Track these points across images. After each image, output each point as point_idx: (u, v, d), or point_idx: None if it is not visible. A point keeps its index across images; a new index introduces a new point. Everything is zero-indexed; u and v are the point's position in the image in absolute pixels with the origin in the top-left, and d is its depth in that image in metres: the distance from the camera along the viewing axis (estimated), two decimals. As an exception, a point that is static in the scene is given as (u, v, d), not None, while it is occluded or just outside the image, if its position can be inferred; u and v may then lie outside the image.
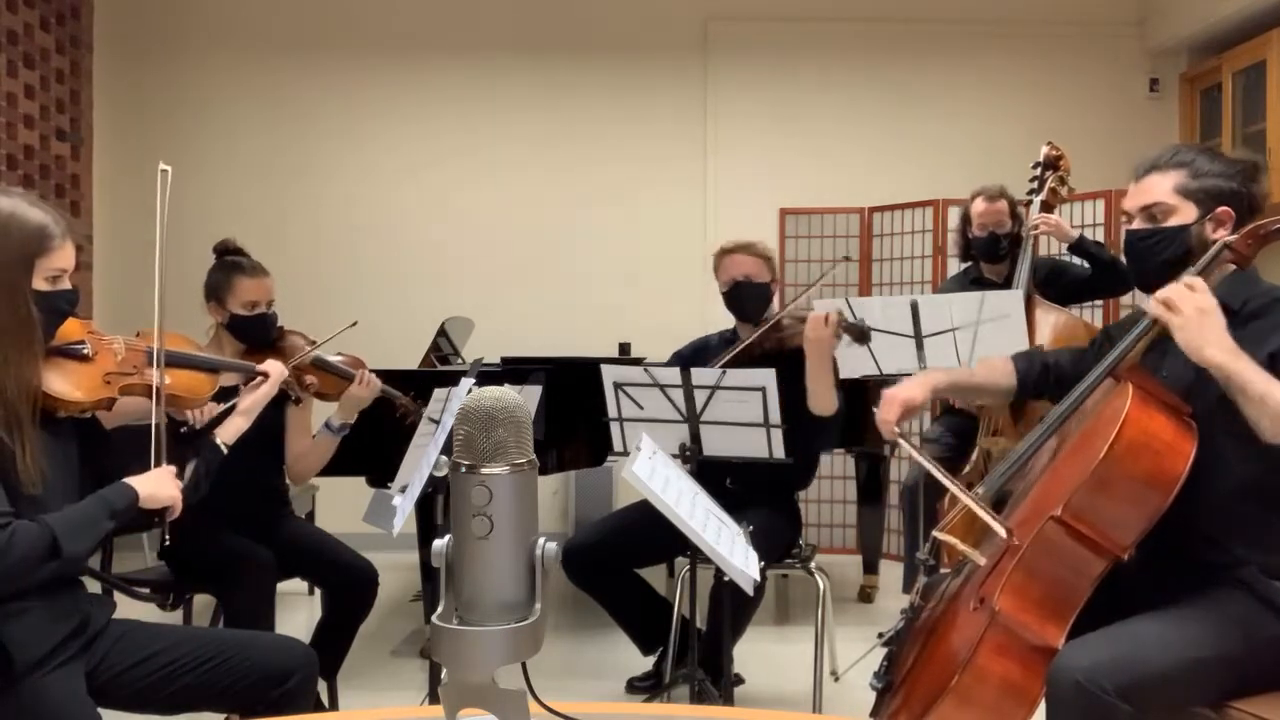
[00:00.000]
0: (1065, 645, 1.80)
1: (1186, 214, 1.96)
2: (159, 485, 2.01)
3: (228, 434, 2.33)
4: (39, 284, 1.90)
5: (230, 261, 2.97)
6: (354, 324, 2.93)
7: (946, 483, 2.03)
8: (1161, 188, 1.98)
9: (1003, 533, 1.90)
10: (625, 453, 2.81)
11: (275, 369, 2.51)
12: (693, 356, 3.34)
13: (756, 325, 3.23)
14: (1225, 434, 1.87)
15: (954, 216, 4.06)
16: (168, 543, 2.07)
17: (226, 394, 2.49)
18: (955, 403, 3.90)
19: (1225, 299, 1.86)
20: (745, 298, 3.23)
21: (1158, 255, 1.97)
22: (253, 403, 2.42)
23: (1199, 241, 1.95)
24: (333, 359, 2.97)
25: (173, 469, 2.07)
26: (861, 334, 2.86)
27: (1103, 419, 1.89)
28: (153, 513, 2.04)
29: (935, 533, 2.13)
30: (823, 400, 2.93)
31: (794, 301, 3.25)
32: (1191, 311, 1.81)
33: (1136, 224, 2.02)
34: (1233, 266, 1.91)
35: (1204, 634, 1.82)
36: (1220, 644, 1.82)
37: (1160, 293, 1.87)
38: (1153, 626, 1.85)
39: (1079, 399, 2.03)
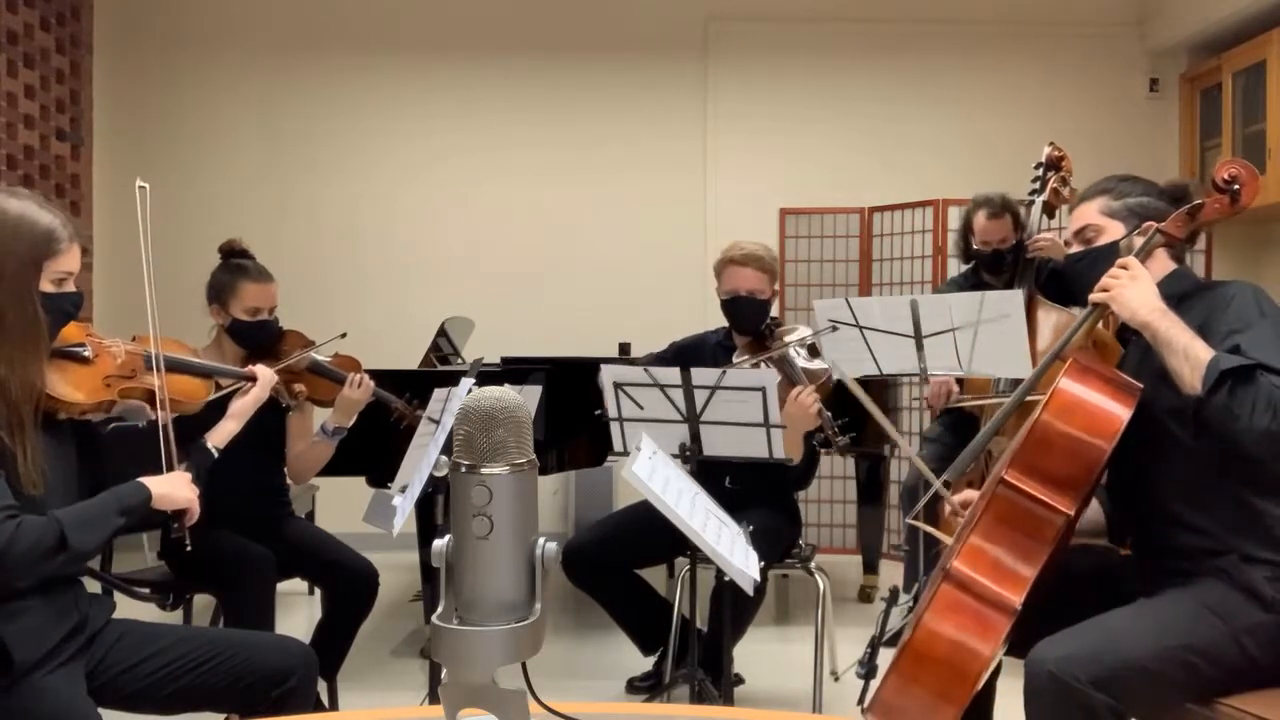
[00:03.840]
0: (1042, 640, 1.83)
1: (1115, 232, 2.11)
2: (174, 486, 2.02)
3: (218, 438, 2.33)
4: (45, 286, 1.90)
5: (236, 264, 2.92)
6: (343, 335, 2.96)
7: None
8: (1088, 212, 2.14)
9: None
10: (625, 453, 2.80)
11: (264, 375, 2.51)
12: (688, 349, 3.37)
13: (752, 336, 3.24)
14: (1181, 419, 1.92)
15: (954, 216, 4.06)
16: (188, 548, 2.06)
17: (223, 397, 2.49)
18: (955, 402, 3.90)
19: (1166, 293, 1.95)
20: (745, 312, 3.23)
21: (1093, 271, 2.08)
22: (242, 408, 2.42)
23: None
24: (325, 362, 2.96)
25: (188, 474, 2.08)
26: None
27: (1046, 389, 1.97)
28: (169, 515, 2.04)
29: (908, 519, 2.19)
30: (790, 450, 2.89)
31: (799, 339, 3.12)
32: (1124, 280, 1.95)
33: (1074, 248, 2.17)
34: (1172, 264, 2.05)
35: (1178, 622, 1.85)
36: (1196, 631, 1.85)
37: (1097, 285, 2.02)
38: (1127, 617, 1.90)
39: (1027, 387, 2.18)
